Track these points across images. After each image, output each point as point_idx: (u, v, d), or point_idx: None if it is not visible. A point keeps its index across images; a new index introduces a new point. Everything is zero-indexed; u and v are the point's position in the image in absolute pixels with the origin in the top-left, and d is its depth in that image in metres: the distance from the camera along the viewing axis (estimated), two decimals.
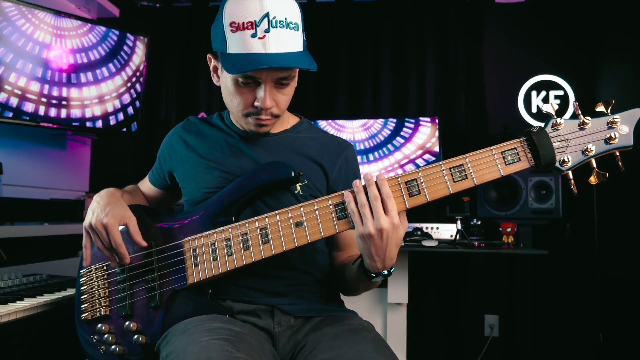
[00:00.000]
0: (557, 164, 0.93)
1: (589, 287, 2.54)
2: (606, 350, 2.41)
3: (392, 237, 0.92)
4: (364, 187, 0.93)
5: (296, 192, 1.12)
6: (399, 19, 2.94)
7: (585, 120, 0.92)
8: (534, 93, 2.82)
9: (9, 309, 1.16)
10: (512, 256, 2.75)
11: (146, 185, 1.38)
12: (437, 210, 2.72)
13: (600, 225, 2.37)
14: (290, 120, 1.24)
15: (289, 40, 1.01)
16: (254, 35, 0.99)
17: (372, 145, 2.67)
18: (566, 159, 0.92)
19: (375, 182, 0.93)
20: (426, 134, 2.63)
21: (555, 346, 2.69)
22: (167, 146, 1.27)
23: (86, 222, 1.11)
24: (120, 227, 1.08)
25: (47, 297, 1.31)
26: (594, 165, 0.94)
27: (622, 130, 0.92)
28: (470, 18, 2.89)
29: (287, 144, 1.18)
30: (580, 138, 0.93)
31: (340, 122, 2.71)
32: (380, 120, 2.69)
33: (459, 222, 2.38)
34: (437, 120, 2.63)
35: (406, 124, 2.66)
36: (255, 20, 0.99)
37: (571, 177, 0.94)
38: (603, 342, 2.37)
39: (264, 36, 0.99)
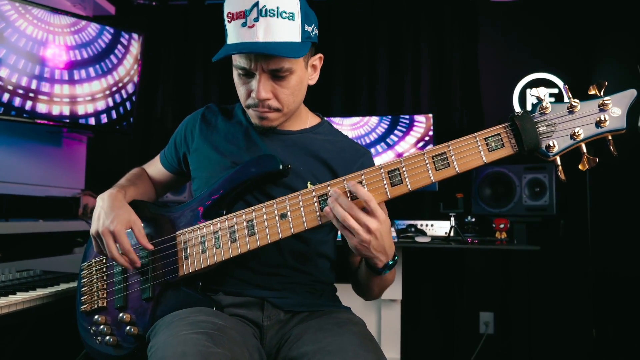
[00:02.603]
0: (543, 149, 0.89)
1: (582, 283, 2.55)
2: (599, 346, 2.42)
3: (384, 231, 0.93)
4: (337, 200, 0.92)
5: None
6: (395, 17, 2.95)
7: (574, 104, 0.88)
8: (529, 91, 2.83)
9: (1, 303, 1.17)
10: (507, 254, 2.76)
11: (156, 168, 1.36)
12: (432, 208, 2.74)
13: (594, 222, 2.38)
14: (310, 120, 1.23)
15: (280, 30, 1.00)
16: (244, 25, 1.00)
17: (365, 143, 2.68)
18: (552, 144, 0.88)
19: (348, 190, 0.93)
20: (421, 131, 2.64)
21: (549, 343, 2.70)
22: (185, 130, 1.26)
23: (93, 230, 1.09)
24: (126, 231, 1.08)
25: (40, 292, 1.31)
26: (584, 150, 0.89)
27: (614, 113, 0.87)
28: (465, 16, 2.90)
29: (304, 144, 1.18)
30: (568, 122, 0.88)
31: (335, 119, 2.72)
32: (375, 118, 2.70)
33: (452, 218, 2.39)
34: (431, 118, 2.64)
35: (401, 121, 2.67)
36: (245, 10, 1.00)
37: (559, 163, 0.90)
38: (596, 337, 2.38)
39: (253, 25, 0.99)
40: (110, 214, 1.07)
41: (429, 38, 2.92)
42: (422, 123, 2.64)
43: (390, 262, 0.99)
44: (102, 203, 1.11)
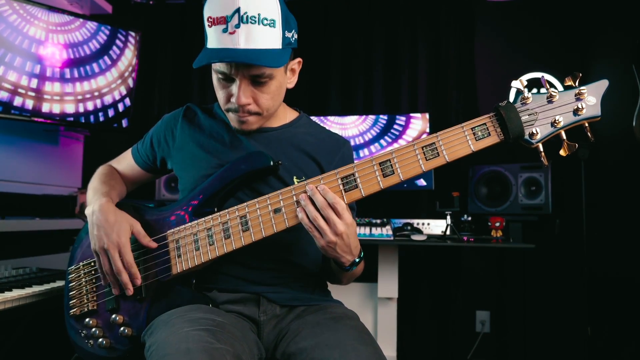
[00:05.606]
0: (526, 137, 0.94)
1: (577, 282, 2.56)
2: (594, 345, 2.43)
3: (351, 234, 0.97)
4: (310, 198, 0.96)
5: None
6: (392, 16, 2.96)
7: (553, 93, 0.94)
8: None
9: None
10: (503, 253, 2.77)
11: (128, 164, 1.34)
12: (428, 206, 2.75)
13: (589, 221, 2.39)
14: (289, 115, 1.25)
15: (261, 37, 1.00)
16: (225, 31, 1.00)
17: (362, 142, 2.69)
18: (535, 132, 0.93)
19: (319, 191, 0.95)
20: (417, 129, 2.65)
21: (544, 341, 2.71)
22: (164, 130, 1.25)
23: (97, 246, 1.07)
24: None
25: (36, 289, 1.32)
26: (564, 137, 0.95)
27: (590, 102, 0.93)
28: (462, 16, 2.91)
29: (286, 138, 1.19)
30: (549, 111, 0.94)
31: (331, 118, 2.73)
32: (371, 117, 2.71)
33: (449, 217, 2.40)
34: (427, 117, 2.65)
35: (397, 120, 2.68)
36: (227, 16, 1.00)
37: (541, 149, 0.96)
38: (591, 336, 2.39)
39: (234, 31, 0.99)
40: (113, 227, 1.06)
41: (426, 37, 2.93)
42: (419, 122, 2.65)
43: (357, 260, 1.03)
44: (97, 218, 1.08)
